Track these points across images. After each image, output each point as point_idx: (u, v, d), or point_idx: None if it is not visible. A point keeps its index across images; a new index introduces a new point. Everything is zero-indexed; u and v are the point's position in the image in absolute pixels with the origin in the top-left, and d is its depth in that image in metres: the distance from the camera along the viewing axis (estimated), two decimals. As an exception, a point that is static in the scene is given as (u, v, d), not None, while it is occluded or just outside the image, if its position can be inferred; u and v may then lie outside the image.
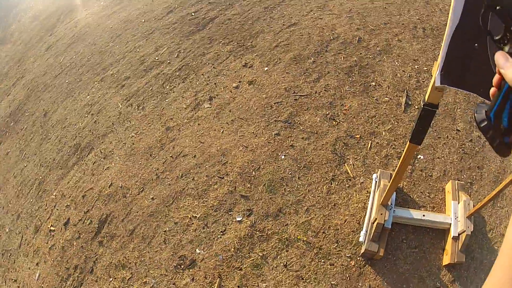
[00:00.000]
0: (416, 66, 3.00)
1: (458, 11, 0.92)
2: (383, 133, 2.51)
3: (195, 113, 2.91)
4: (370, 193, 2.14)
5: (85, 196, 2.66)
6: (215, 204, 2.27)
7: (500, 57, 0.43)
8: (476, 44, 0.93)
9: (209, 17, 3.90)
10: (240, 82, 3.03)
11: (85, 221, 2.52)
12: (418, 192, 2.21)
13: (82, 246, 2.37)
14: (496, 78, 0.45)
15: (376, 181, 2.13)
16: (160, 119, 2.97)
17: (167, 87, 3.28)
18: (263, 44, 3.30)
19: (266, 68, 3.07)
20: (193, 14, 4.12)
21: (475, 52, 0.95)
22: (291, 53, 3.15)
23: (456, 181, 2.11)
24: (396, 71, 2.97)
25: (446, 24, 0.97)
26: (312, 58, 3.07)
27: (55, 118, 3.78)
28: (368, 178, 2.27)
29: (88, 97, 3.77)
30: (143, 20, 4.53)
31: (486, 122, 0.46)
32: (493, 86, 0.46)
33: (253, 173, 2.36)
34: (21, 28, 7.76)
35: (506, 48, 0.45)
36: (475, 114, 0.48)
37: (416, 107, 2.67)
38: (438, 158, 2.36)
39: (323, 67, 2.99)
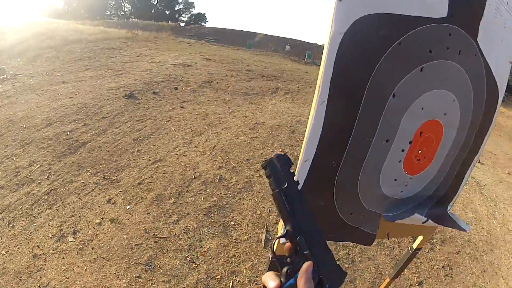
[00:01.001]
0: (276, 201, 3.68)
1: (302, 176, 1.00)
2: (244, 271, 2.65)
3: (60, 244, 2.98)
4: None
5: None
6: None
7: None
8: (322, 203, 1.07)
9: (82, 140, 4.09)
10: (103, 218, 3.29)
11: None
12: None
13: None
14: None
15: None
16: (28, 244, 2.95)
17: (36, 209, 3.28)
18: (128, 180, 3.68)
19: (128, 207, 3.43)
20: (68, 133, 4.24)
21: (320, 207, 1.07)
22: (153, 192, 3.60)
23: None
24: (256, 208, 3.25)
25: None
26: (173, 199, 3.51)
27: None
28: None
29: (-33, 197, 3.41)
30: (24, 126, 4.39)
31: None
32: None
33: (116, 315, 2.54)
34: None
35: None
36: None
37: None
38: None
39: (183, 208, 3.38)
